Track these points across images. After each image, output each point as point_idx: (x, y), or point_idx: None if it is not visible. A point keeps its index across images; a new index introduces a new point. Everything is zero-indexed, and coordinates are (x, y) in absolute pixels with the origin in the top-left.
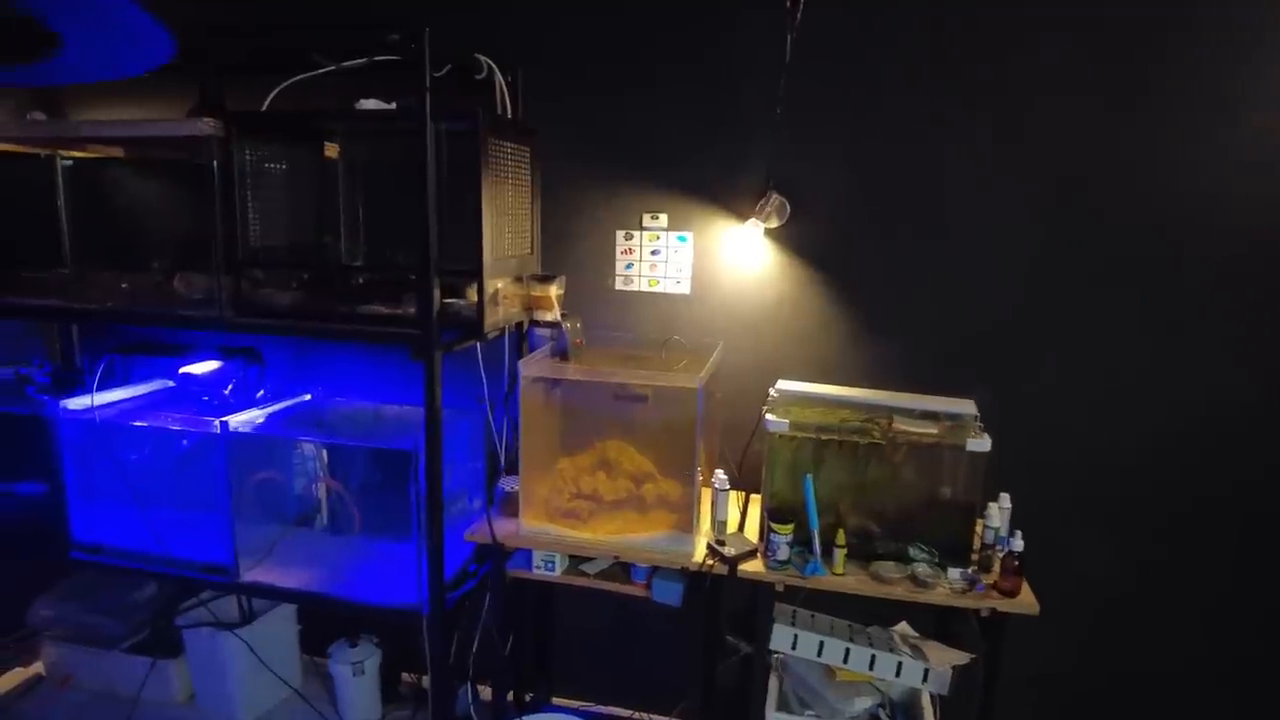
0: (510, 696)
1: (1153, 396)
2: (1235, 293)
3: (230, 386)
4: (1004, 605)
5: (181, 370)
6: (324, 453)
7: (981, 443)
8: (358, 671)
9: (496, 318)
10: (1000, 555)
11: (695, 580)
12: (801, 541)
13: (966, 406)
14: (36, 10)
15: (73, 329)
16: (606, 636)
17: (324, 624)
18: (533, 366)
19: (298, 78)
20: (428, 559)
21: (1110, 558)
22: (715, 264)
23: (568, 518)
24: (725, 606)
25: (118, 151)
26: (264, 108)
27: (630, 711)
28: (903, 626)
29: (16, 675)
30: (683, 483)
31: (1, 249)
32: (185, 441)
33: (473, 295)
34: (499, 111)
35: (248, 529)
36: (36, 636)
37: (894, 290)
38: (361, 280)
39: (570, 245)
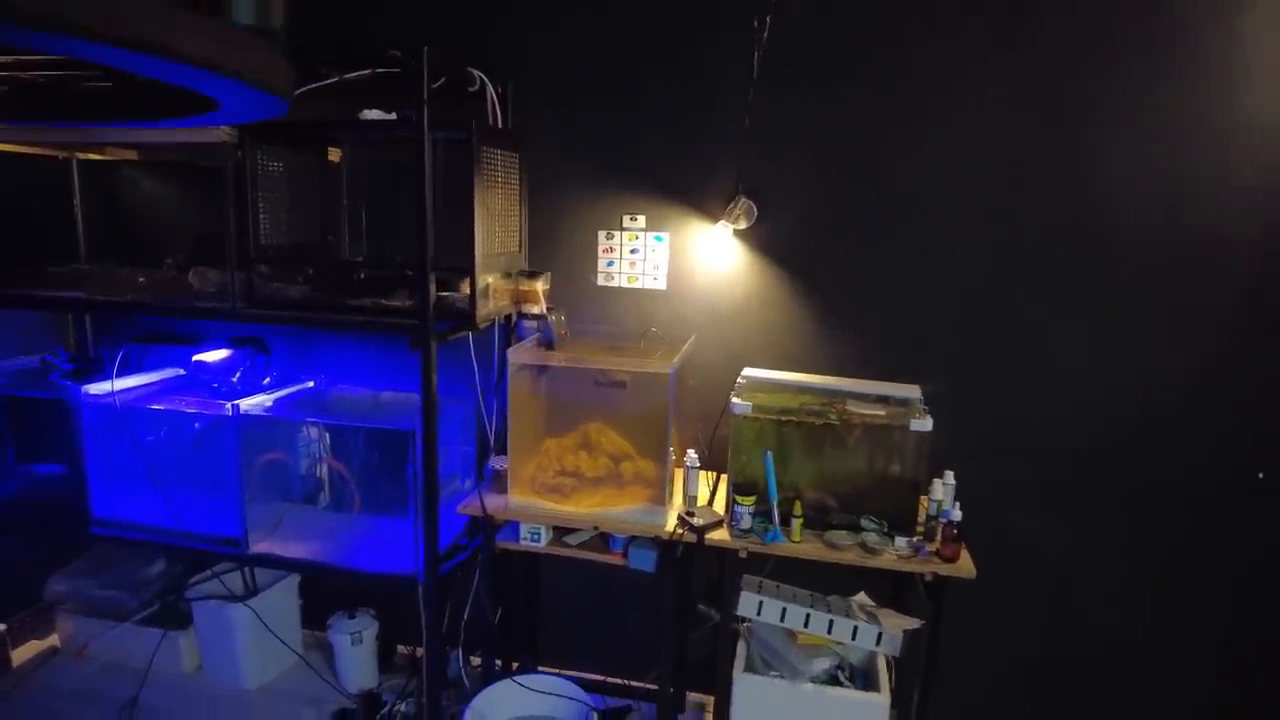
0: (499, 666)
1: (1087, 382)
2: (1163, 284)
3: (238, 374)
4: (944, 569)
5: (195, 358)
6: (327, 435)
7: (924, 423)
8: (356, 640)
9: (487, 309)
10: (943, 525)
11: (668, 548)
12: (763, 513)
13: (913, 391)
14: (214, 93)
15: (86, 320)
16: (589, 612)
17: (323, 599)
18: (520, 354)
19: (306, 88)
20: (424, 529)
21: (1052, 533)
22: (689, 262)
23: (552, 493)
24: (699, 580)
25: (131, 154)
26: None
27: (611, 678)
28: (861, 597)
29: (33, 647)
30: (658, 461)
31: (24, 245)
32: (198, 424)
33: (466, 289)
34: (490, 121)
35: (256, 505)
36: (52, 610)
37: (852, 286)
38: (363, 275)
39: (556, 244)
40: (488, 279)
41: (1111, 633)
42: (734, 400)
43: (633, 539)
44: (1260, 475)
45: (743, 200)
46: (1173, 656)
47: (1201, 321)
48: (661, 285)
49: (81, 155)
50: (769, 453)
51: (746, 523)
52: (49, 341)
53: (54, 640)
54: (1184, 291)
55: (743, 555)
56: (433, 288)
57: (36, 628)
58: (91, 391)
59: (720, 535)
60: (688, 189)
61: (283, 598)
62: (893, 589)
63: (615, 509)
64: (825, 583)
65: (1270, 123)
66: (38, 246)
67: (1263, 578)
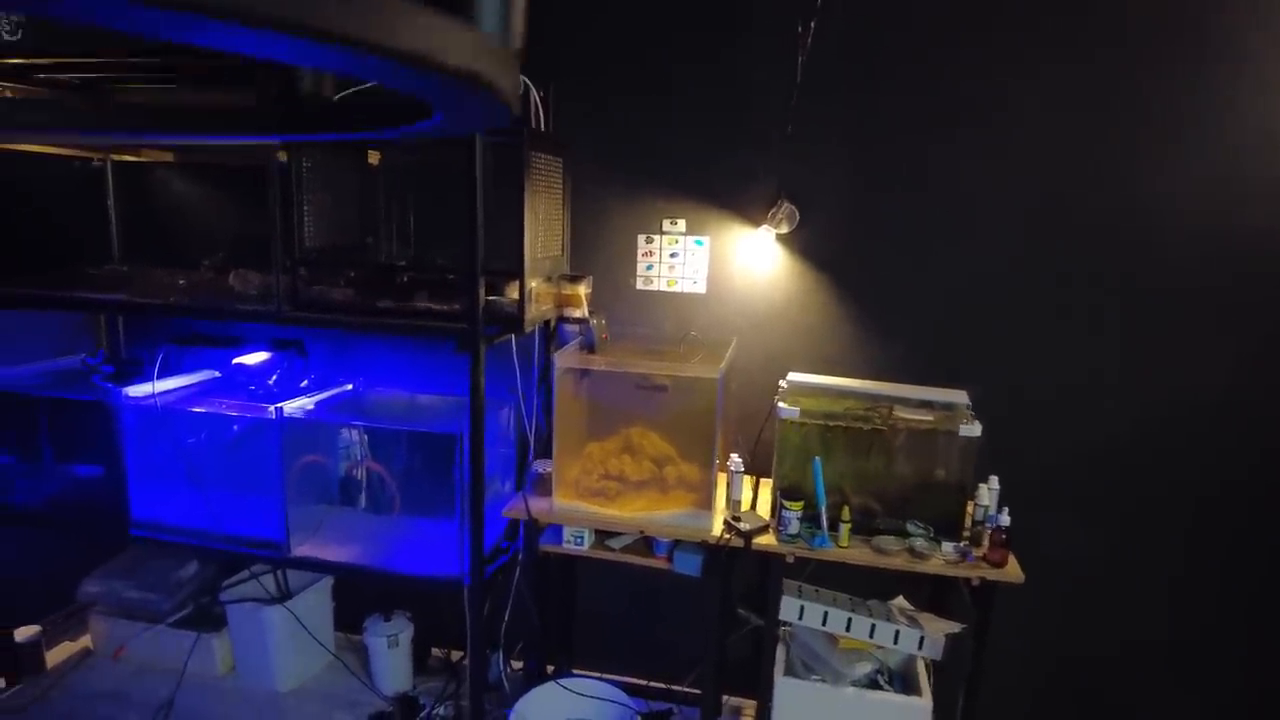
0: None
1: (1126, 389)
2: (1202, 294)
3: (275, 377)
4: (992, 574)
5: (235, 360)
6: (366, 437)
7: (972, 429)
8: (392, 644)
9: (534, 314)
10: (989, 531)
11: (713, 552)
12: (809, 518)
13: (959, 396)
14: (432, 102)
15: (118, 321)
16: (623, 615)
17: (357, 602)
18: (566, 358)
19: (352, 90)
20: (470, 532)
21: (1086, 537)
22: (729, 266)
23: (596, 496)
24: (735, 583)
25: (166, 156)
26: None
27: (648, 682)
28: (899, 600)
29: (66, 649)
30: (702, 465)
31: (58, 246)
32: (236, 427)
33: (511, 293)
34: (534, 125)
35: (297, 508)
36: (85, 612)
37: (894, 291)
38: (406, 278)
39: (595, 247)
40: (532, 283)
41: (1146, 635)
42: (780, 405)
43: (677, 543)
44: None
45: (785, 204)
46: (1210, 658)
47: (1244, 326)
48: (701, 289)
49: (116, 156)
50: (817, 458)
51: (794, 528)
52: (79, 343)
53: (86, 642)
54: (1230, 293)
55: (790, 560)
56: (481, 292)
57: (69, 629)
58: (132, 394)
59: (767, 540)
60: (728, 193)
61: (317, 600)
62: (931, 593)
63: (660, 513)
64: (861, 587)
65: None
66: (71, 247)
67: None
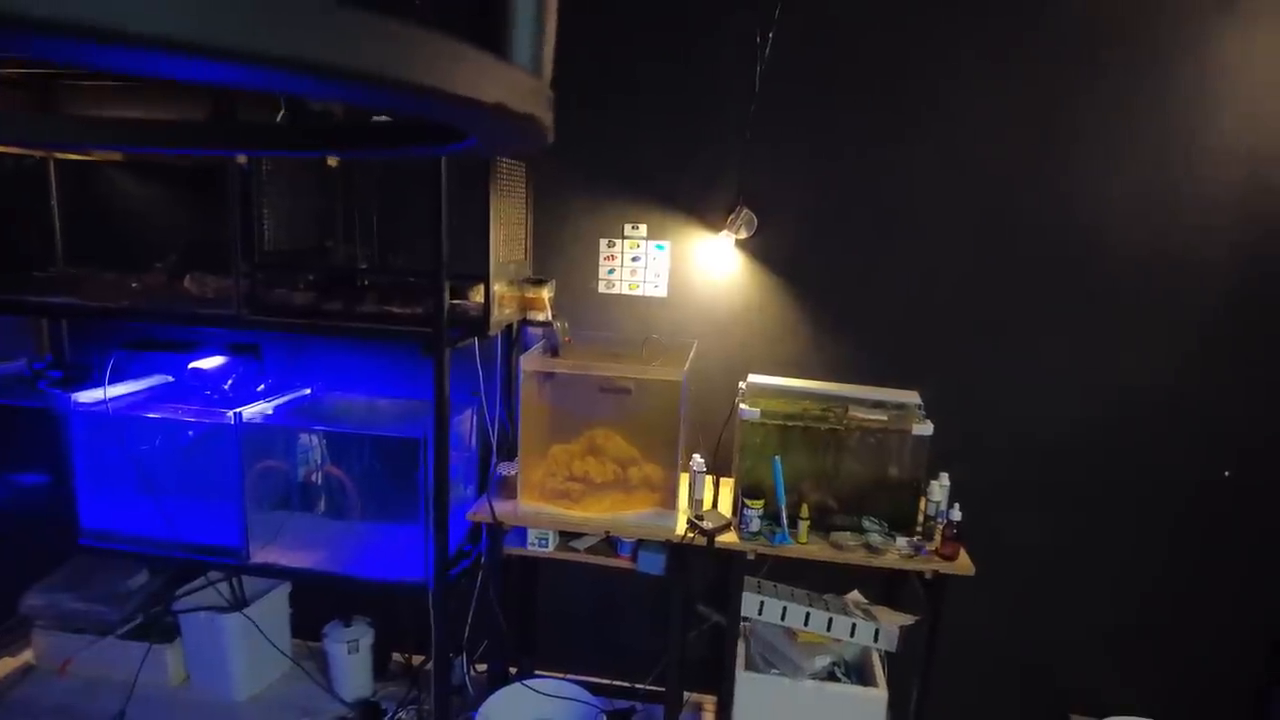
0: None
1: (1071, 386)
2: (1143, 295)
3: (230, 381)
4: (944, 567)
5: (191, 365)
6: (325, 442)
7: (925, 428)
8: (353, 649)
9: (498, 317)
10: (941, 525)
11: (677, 551)
12: (770, 516)
13: (912, 397)
14: (465, 127)
15: (62, 326)
16: (586, 614)
17: (314, 609)
18: (532, 362)
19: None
20: (434, 536)
21: (1036, 530)
22: (690, 270)
23: (561, 498)
24: (694, 581)
25: (114, 155)
26: (277, 119)
27: (611, 680)
28: (854, 595)
29: (6, 664)
30: (665, 466)
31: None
32: (191, 432)
33: (475, 297)
34: None
35: (256, 514)
36: (27, 626)
37: (849, 294)
38: (366, 282)
39: (558, 251)
40: (496, 287)
41: (1094, 622)
42: (742, 406)
43: (641, 543)
44: (1226, 474)
45: (744, 210)
46: (1156, 643)
47: (1176, 330)
48: (662, 293)
49: (60, 154)
50: (777, 458)
51: (755, 525)
52: (18, 348)
53: (28, 657)
54: (1161, 297)
55: (751, 557)
56: (447, 295)
57: (10, 645)
58: (82, 399)
59: (729, 538)
60: (688, 198)
61: (273, 607)
62: (885, 587)
63: (626, 514)
64: (816, 582)
65: (1235, 148)
66: (10, 249)
67: (1236, 569)
